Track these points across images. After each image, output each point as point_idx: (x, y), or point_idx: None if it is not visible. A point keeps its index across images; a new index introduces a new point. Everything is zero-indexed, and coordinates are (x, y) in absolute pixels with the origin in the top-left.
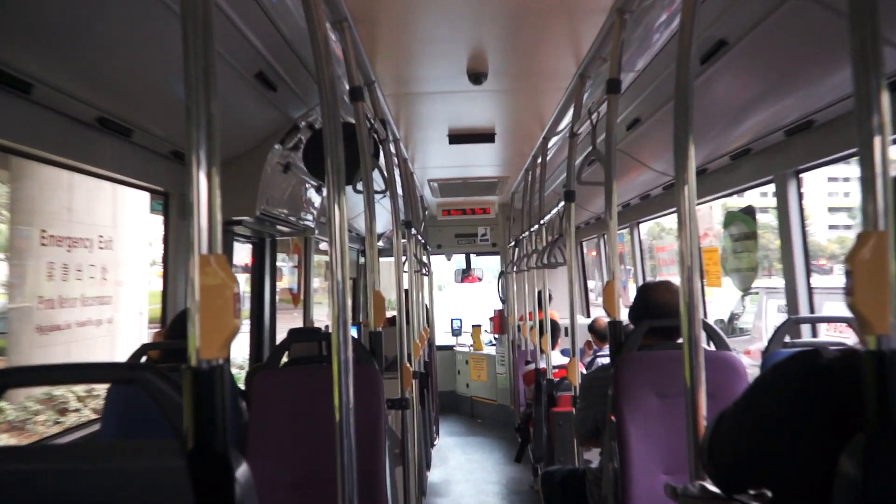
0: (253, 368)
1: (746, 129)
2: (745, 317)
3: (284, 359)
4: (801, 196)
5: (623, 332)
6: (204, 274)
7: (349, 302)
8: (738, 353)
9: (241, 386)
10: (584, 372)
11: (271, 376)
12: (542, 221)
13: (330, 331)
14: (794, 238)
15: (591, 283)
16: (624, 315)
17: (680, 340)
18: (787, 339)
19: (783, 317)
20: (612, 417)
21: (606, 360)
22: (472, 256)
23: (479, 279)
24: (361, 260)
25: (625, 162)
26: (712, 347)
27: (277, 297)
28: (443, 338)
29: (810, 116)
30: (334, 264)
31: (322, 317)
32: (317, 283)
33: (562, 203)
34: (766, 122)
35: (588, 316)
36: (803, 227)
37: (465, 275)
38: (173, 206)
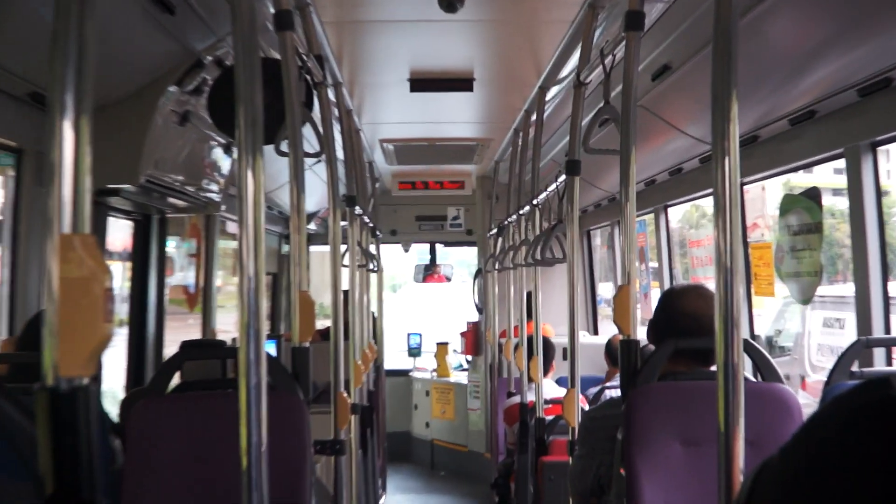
0: (131, 395)
1: (810, 86)
2: (787, 330)
3: (175, 382)
4: (877, 175)
5: (639, 354)
6: (66, 262)
7: (265, 306)
8: (791, 384)
9: (115, 418)
10: (587, 408)
11: (156, 406)
12: (535, 201)
13: (237, 345)
14: (867, 231)
15: (600, 288)
16: (643, 333)
17: (715, 367)
18: (856, 366)
19: (830, 333)
20: (622, 470)
21: (616, 393)
22: (440, 247)
23: (448, 279)
24: (285, 248)
25: (648, 123)
26: (759, 378)
27: (167, 297)
28: (395, 359)
29: (890, 72)
30: (246, 253)
31: (228, 326)
32: (222, 278)
33: (562, 177)
34: (833, 78)
35: (595, 332)
36: (880, 216)
37: (429, 272)
38: (27, 168)
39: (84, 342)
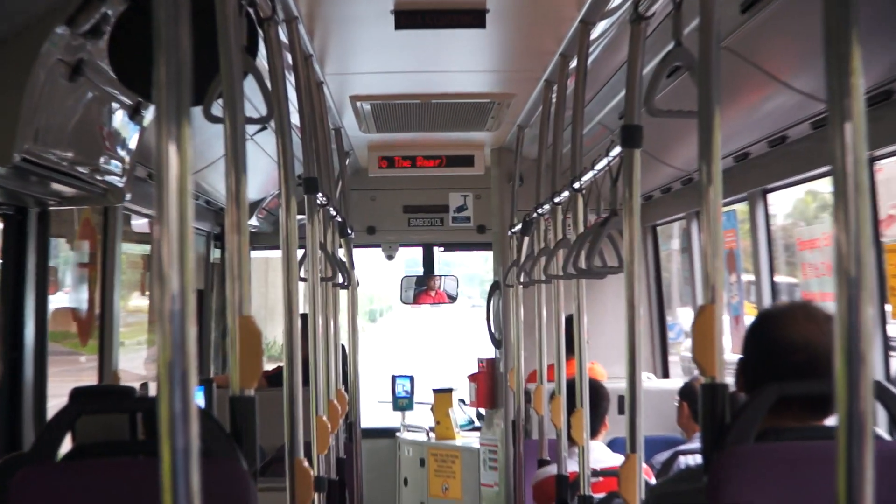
0: (4, 463)
1: None
2: None
3: (66, 445)
4: None
5: (727, 403)
6: None
7: (192, 337)
8: None
9: None
10: (653, 481)
11: (41, 478)
12: (577, 184)
13: (152, 393)
14: None
15: (678, 312)
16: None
17: (833, 421)
18: None
19: None
20: None
21: (695, 460)
22: (439, 252)
23: (451, 298)
24: (215, 254)
25: (737, 73)
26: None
27: (49, 325)
28: (376, 413)
29: None
30: (167, 262)
31: (137, 366)
32: (129, 298)
33: (617, 150)
34: None
35: (664, 373)
36: None
37: (423, 288)
38: None
39: None
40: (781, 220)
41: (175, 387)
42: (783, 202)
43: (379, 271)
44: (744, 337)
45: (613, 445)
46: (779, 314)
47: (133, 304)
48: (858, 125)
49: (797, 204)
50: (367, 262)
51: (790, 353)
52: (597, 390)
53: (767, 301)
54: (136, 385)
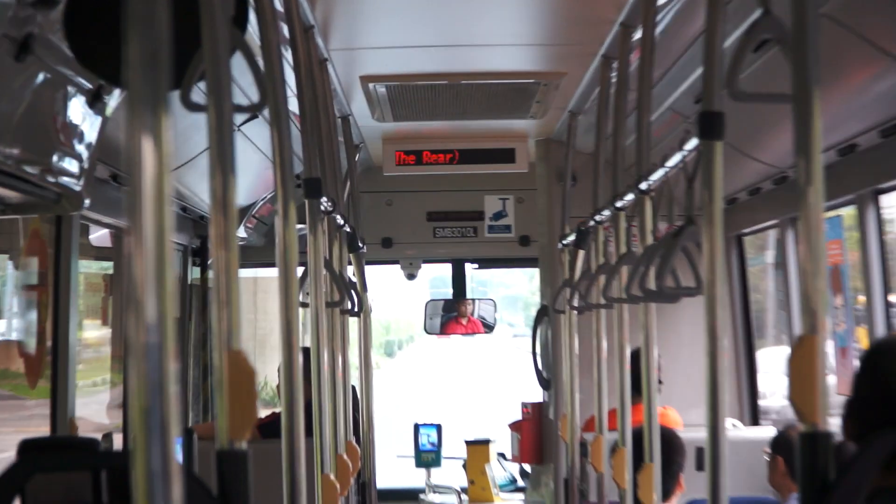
0: None
1: None
2: None
3: None
4: None
5: (831, 456)
6: None
7: (173, 376)
8: None
9: None
10: None
11: None
12: (643, 185)
13: (123, 448)
14: None
15: (768, 347)
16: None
17: None
18: None
19: None
20: None
21: None
22: (471, 269)
23: (488, 327)
24: (195, 274)
25: (840, 46)
26: None
27: None
28: (395, 471)
29: None
30: (137, 283)
31: (100, 412)
32: (89, 329)
33: (692, 142)
34: None
35: (753, 420)
36: None
37: (451, 315)
38: None
39: None
40: None
41: (153, 438)
42: None
43: (397, 293)
44: (854, 374)
45: None
46: (892, 348)
47: (92, 334)
48: None
49: None
50: (383, 282)
51: None
52: (670, 441)
53: (882, 329)
54: (98, 436)
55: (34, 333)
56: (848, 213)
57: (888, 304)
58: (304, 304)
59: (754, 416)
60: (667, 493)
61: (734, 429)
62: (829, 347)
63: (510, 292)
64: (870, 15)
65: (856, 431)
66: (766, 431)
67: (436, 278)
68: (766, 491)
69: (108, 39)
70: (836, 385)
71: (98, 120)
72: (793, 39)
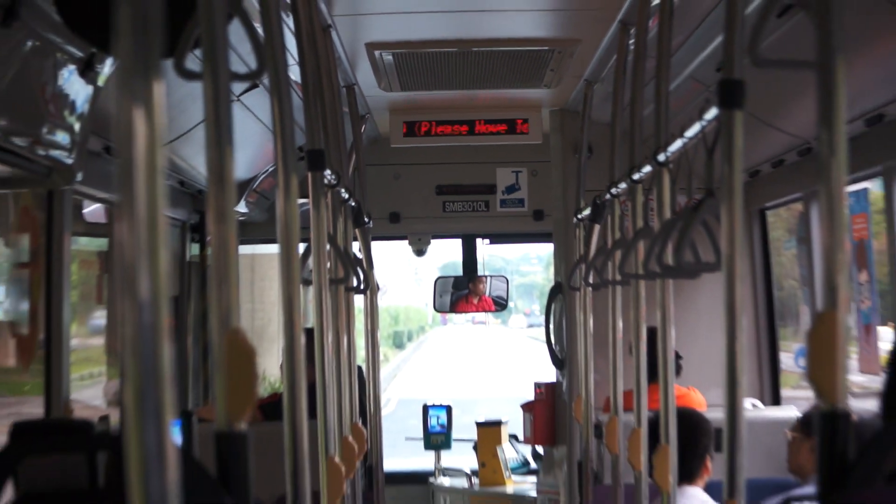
0: None
1: None
2: None
3: (7, 496)
4: None
5: (850, 436)
6: None
7: (167, 357)
8: None
9: None
10: None
11: None
12: (661, 157)
13: (116, 429)
14: None
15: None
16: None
17: None
18: None
19: None
20: None
21: None
22: (482, 245)
23: (500, 304)
24: (194, 250)
25: (869, 10)
26: None
27: None
28: (403, 453)
29: None
30: (128, 261)
31: (95, 395)
32: (84, 310)
33: (712, 111)
34: None
35: (774, 399)
36: None
37: (462, 293)
38: None
39: None
40: None
41: (147, 421)
42: None
43: (406, 268)
44: (889, 357)
45: (710, 490)
46: None
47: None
48: None
49: None
50: (394, 258)
51: None
52: (697, 423)
53: None
54: (95, 417)
55: (26, 310)
56: (875, 186)
57: None
58: (307, 282)
59: (775, 395)
60: (693, 475)
61: (753, 409)
62: (853, 326)
63: (525, 280)
64: None
65: (889, 412)
66: (787, 412)
67: (447, 264)
68: (785, 473)
69: (100, 4)
70: (859, 364)
71: (90, 90)
72: (817, 4)
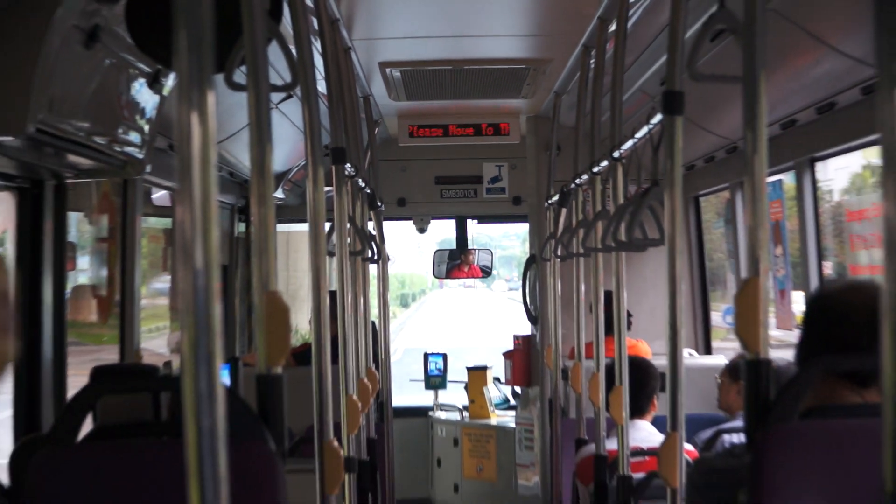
0: (24, 444)
1: None
2: None
3: (86, 426)
4: None
5: (771, 380)
6: None
7: (217, 314)
8: None
9: (2, 476)
10: (693, 460)
11: (62, 459)
12: (616, 153)
13: (177, 373)
14: None
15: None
16: (781, 353)
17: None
18: None
19: None
20: None
21: (738, 438)
22: (471, 224)
23: (485, 272)
24: (240, 228)
25: (785, 36)
26: None
27: (69, 305)
28: (408, 392)
29: None
30: (186, 236)
31: (160, 345)
32: (152, 276)
33: (658, 117)
34: None
35: (707, 349)
36: None
37: (456, 263)
38: None
39: None
40: (840, 197)
41: (200, 366)
42: (840, 176)
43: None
44: (804, 316)
45: (656, 424)
46: (834, 290)
47: (155, 280)
48: None
49: (855, 179)
50: (401, 235)
51: (843, 326)
52: (646, 369)
53: (814, 277)
54: (160, 364)
55: (104, 277)
56: (788, 178)
57: (820, 256)
58: (331, 254)
59: (707, 346)
60: (643, 411)
61: (690, 357)
62: (770, 289)
63: (506, 253)
64: (809, 9)
65: (801, 360)
66: (717, 360)
67: (444, 240)
68: (716, 410)
69: (163, 29)
70: (776, 322)
71: (157, 98)
72: (743, 30)
